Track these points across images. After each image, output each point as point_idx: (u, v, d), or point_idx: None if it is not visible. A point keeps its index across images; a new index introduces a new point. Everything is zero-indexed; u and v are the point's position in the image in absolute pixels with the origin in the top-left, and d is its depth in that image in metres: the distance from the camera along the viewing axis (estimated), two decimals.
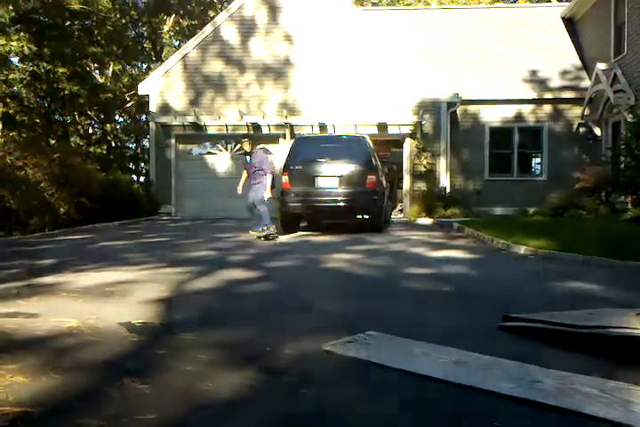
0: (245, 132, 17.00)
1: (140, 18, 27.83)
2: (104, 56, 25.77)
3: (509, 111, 17.45)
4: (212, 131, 17.19)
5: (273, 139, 17.00)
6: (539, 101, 17.30)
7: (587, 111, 16.84)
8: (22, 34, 20.35)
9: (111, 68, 27.63)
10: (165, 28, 29.09)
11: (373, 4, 33.37)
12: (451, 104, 16.67)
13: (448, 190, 16.71)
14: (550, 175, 17.14)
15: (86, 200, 12.02)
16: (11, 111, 22.35)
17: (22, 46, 19.82)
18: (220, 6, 28.08)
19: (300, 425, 2.18)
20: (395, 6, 30.70)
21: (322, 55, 16.83)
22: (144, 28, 29.31)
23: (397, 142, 17.36)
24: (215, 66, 17.31)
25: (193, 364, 2.85)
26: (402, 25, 19.65)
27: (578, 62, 18.11)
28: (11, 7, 20.58)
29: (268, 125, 16.91)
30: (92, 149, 26.22)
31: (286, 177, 11.23)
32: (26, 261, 6.75)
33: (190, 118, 16.97)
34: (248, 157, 10.30)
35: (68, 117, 26.56)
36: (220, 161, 17.43)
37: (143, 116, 27.17)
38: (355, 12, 17.25)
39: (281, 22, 17.10)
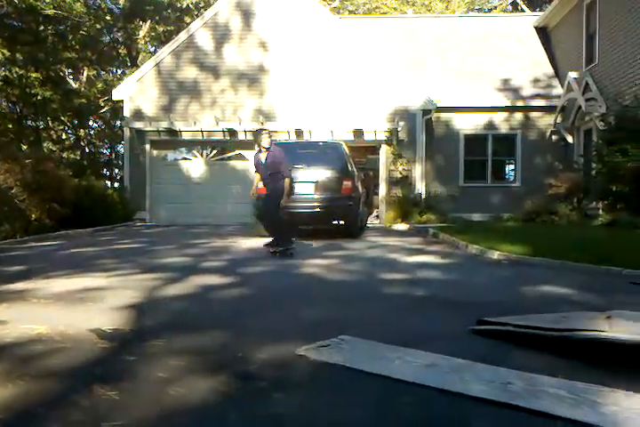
0: (221, 138, 16.95)
1: (115, 23, 27.64)
2: (78, 61, 25.53)
3: (484, 119, 17.66)
4: (187, 136, 17.10)
5: (249, 144, 16.95)
6: (512, 109, 17.54)
7: (559, 119, 17.12)
8: None
9: (85, 74, 27.38)
10: (141, 33, 28.92)
11: (350, 12, 33.59)
12: (426, 111, 16.81)
13: (424, 196, 16.82)
14: (524, 182, 17.35)
15: (58, 206, 11.84)
16: None
17: None
18: (196, 12, 28.00)
19: None
20: (371, 14, 30.94)
21: (297, 62, 16.87)
22: (119, 34, 29.10)
23: (374, 149, 17.44)
24: (190, 72, 17.25)
25: (164, 370, 2.82)
26: (378, 33, 19.80)
27: (550, 71, 18.42)
28: None
29: (245, 131, 16.88)
30: (65, 155, 25.92)
31: (262, 183, 11.17)
32: None
33: (165, 124, 16.86)
34: (263, 156, 8.27)
35: (41, 123, 26.24)
36: (196, 167, 17.33)
37: (117, 122, 26.95)
38: (331, 19, 17.34)
39: (255, 29, 17.11)
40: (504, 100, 17.41)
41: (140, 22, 28.57)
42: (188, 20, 27.65)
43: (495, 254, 7.83)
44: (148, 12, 27.14)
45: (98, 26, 26.61)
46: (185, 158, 17.48)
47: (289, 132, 16.71)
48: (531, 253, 7.47)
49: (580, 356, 3.02)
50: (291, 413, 2.31)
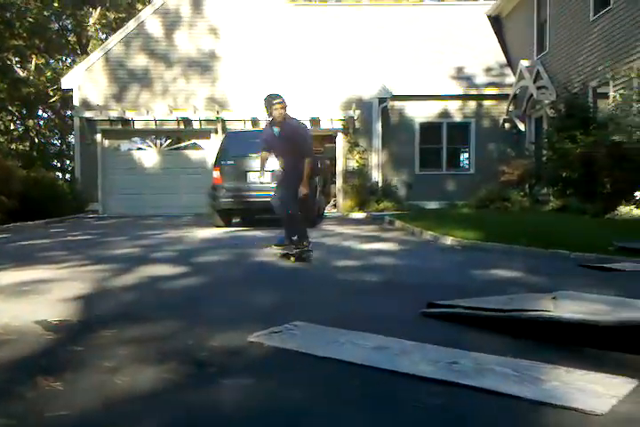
0: (175, 127, 16.71)
1: (63, 10, 26.78)
2: (26, 49, 24.69)
3: (438, 107, 17.84)
4: (139, 126, 16.78)
5: (204, 134, 16.78)
6: (466, 97, 17.77)
7: (511, 107, 17.43)
8: None
9: (34, 62, 26.50)
10: (91, 20, 28.13)
11: None
12: (382, 100, 16.88)
13: (380, 185, 16.93)
14: (478, 169, 17.64)
15: (6, 199, 11.49)
16: None
17: None
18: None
19: (215, 414, 2.15)
20: (327, 2, 30.79)
21: (250, 49, 16.68)
22: (68, 21, 28.25)
23: (331, 137, 17.46)
24: (141, 60, 16.91)
25: (111, 360, 2.76)
26: (335, 21, 19.73)
27: (503, 59, 18.70)
28: None
29: (199, 120, 16.65)
30: (13, 146, 25.11)
31: (217, 172, 11.08)
32: None
33: (116, 113, 16.51)
34: (276, 129, 6.41)
35: None
36: (150, 157, 17.04)
37: (68, 112, 26.23)
38: (285, 6, 17.20)
39: (207, 16, 16.86)
40: (458, 89, 17.62)
41: (90, 9, 27.79)
42: (139, 6, 27.02)
43: (449, 240, 7.95)
44: None
45: (45, 13, 25.75)
46: (139, 148, 17.19)
47: (245, 121, 16.56)
48: (483, 239, 7.61)
49: (528, 335, 3.08)
50: (236, 398, 2.29)
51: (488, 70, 18.38)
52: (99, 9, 27.48)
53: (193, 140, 17.06)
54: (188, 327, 3.38)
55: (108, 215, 16.01)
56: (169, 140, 17.17)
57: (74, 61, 28.43)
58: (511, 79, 17.74)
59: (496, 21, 19.91)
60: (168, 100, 16.71)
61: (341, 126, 16.75)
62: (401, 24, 20.03)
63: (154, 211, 15.95)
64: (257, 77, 16.55)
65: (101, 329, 3.31)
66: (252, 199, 10.87)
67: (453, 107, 17.87)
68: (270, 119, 6.50)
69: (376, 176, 17.02)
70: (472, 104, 17.86)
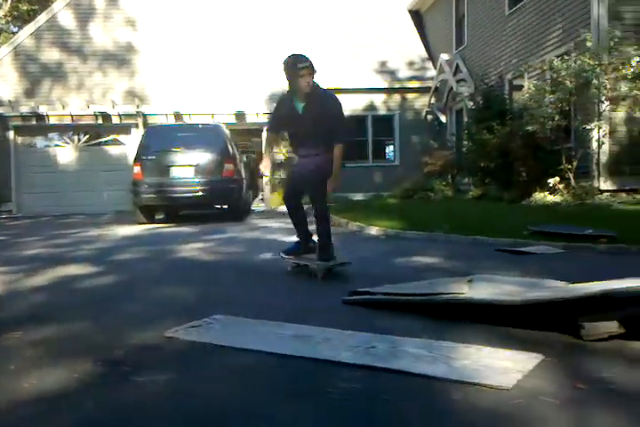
0: (93, 122, 16.14)
1: None
2: None
3: (364, 100, 18.01)
4: (55, 121, 16.10)
5: (125, 129, 16.29)
6: (390, 91, 18.03)
7: (433, 100, 17.82)
8: None
9: None
10: (1, 12, 26.72)
11: None
12: None
13: None
14: (402, 161, 17.95)
15: None
16: None
17: None
18: None
19: (125, 412, 2.07)
20: None
21: (170, 41, 16.30)
22: None
23: (257, 132, 17.31)
24: (54, 54, 16.25)
25: (17, 362, 2.62)
26: (257, 12, 19.49)
27: (424, 53, 19.07)
28: None
29: (119, 115, 16.15)
30: None
31: (138, 168, 10.78)
32: None
33: (29, 109, 15.77)
34: (300, 105, 4.80)
35: None
36: (68, 154, 16.41)
37: None
38: None
39: (123, 7, 16.39)
40: (383, 83, 17.85)
41: (1, 1, 26.40)
42: None
43: (374, 230, 8.06)
44: None
45: None
46: (56, 145, 16.55)
47: (167, 115, 16.19)
48: (407, 228, 7.76)
49: (445, 317, 3.15)
50: (147, 394, 2.22)
51: (410, 64, 18.70)
52: (9, 0, 26.15)
53: (113, 136, 16.55)
54: (101, 327, 3.26)
55: (23, 215, 15.30)
56: (87, 136, 16.59)
57: None
58: (432, 73, 18.13)
59: (417, 16, 20.25)
60: (84, 95, 16.12)
61: (267, 120, 16.63)
62: (325, 18, 20.00)
63: (73, 209, 15.37)
64: (178, 70, 16.21)
65: (7, 332, 3.14)
66: (175, 195, 10.66)
67: (378, 100, 18.09)
68: (288, 90, 4.89)
69: None
70: (396, 97, 18.14)
